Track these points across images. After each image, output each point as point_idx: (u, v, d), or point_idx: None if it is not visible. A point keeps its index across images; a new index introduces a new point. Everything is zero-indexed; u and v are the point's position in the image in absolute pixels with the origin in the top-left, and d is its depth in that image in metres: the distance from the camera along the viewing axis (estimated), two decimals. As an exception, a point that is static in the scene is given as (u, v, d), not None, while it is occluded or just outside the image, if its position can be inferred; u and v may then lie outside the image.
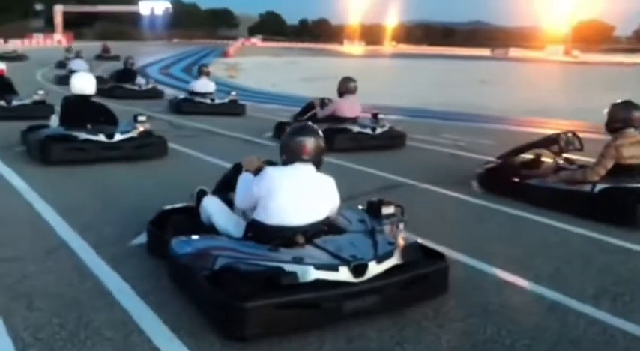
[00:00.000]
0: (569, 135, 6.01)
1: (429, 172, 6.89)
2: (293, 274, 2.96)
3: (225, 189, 3.98)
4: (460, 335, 3.07)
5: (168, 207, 4.10)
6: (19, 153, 6.89)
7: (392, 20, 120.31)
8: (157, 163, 6.91)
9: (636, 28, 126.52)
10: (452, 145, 9.08)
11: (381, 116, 8.64)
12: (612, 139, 5.31)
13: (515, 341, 3.02)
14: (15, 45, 39.52)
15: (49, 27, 62.08)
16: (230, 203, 3.77)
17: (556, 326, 3.19)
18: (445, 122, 12.62)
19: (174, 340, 2.89)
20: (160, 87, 15.81)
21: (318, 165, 3.50)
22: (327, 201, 3.49)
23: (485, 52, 73.50)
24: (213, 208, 3.68)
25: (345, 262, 3.07)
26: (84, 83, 6.79)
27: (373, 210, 3.68)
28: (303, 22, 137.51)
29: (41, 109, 9.41)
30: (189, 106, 11.47)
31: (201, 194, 3.93)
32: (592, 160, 5.45)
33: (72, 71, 17.32)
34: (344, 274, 3.04)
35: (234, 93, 12.33)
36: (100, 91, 14.16)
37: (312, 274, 2.98)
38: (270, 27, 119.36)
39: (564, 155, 5.95)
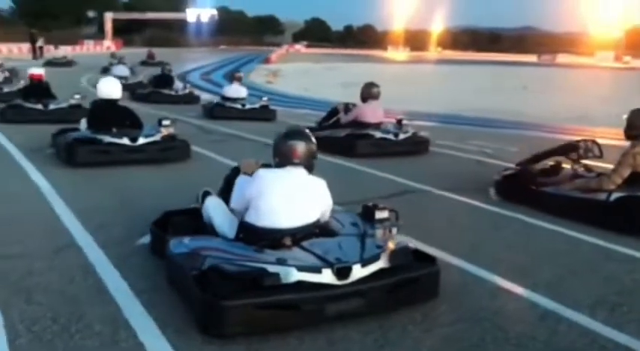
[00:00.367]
0: (589, 142, 5.89)
1: (447, 178, 6.84)
2: (275, 275, 3.01)
3: (227, 191, 4.06)
4: (443, 341, 3.06)
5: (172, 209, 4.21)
6: (49, 155, 7.15)
7: (437, 26, 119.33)
8: (180, 166, 7.07)
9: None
10: (478, 151, 8.98)
11: (405, 122, 8.60)
12: (630, 147, 5.19)
13: (499, 349, 3.00)
14: (66, 51, 40.77)
15: (100, 34, 63.97)
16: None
17: (545, 335, 3.15)
18: (477, 129, 12.47)
19: (159, 336, 2.98)
20: (197, 92, 16.10)
21: (309, 168, 3.55)
22: (318, 204, 3.53)
23: (533, 58, 72.15)
24: (213, 208, 3.77)
25: (328, 264, 3.11)
26: (110, 88, 7.02)
27: (367, 214, 3.70)
28: (348, 28, 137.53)
29: (77, 112, 9.68)
30: (220, 111, 11.68)
31: (206, 196, 4.03)
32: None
33: (114, 76, 17.99)
34: (327, 276, 3.07)
35: (265, 98, 12.49)
36: (139, 96, 14.75)
37: (295, 275, 3.03)
38: (316, 33, 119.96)
39: (583, 162, 5.84)
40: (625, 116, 5.34)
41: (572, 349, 3.03)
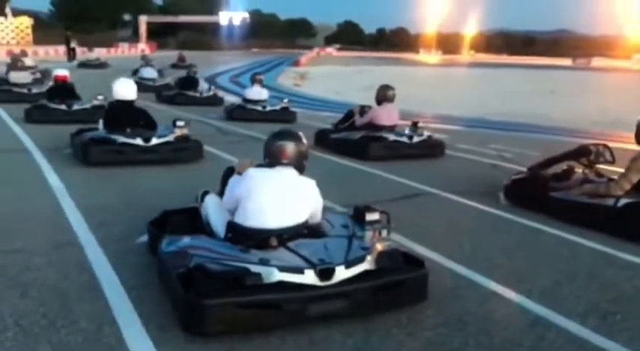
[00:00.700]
0: (600, 147, 5.77)
1: (459, 181, 6.78)
2: (257, 275, 3.04)
3: (223, 191, 4.09)
4: (425, 344, 3.05)
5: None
6: (66, 155, 7.30)
7: (470, 29, 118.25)
8: (192, 166, 7.15)
9: None
10: (496, 155, 8.88)
11: (421, 124, 8.54)
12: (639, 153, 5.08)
13: (483, 355, 2.97)
14: (100, 53, 41.59)
15: (135, 37, 65.08)
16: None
17: (530, 342, 3.11)
18: (499, 132, 12.33)
19: (142, 333, 3.02)
20: (222, 94, 16.25)
21: (300, 169, 3.56)
22: (308, 204, 3.54)
23: (567, 61, 70.94)
24: (210, 207, 3.80)
25: (311, 265, 3.12)
26: (124, 89, 7.15)
27: (358, 216, 3.69)
28: (381, 31, 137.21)
29: (99, 113, 9.77)
30: (241, 112, 11.76)
31: (206, 195, 4.07)
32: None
33: (142, 78, 18.29)
34: (310, 277, 3.08)
35: (286, 100, 12.53)
36: (164, 98, 14.96)
37: (276, 275, 3.05)
38: (348, 36, 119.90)
39: (595, 167, 5.72)
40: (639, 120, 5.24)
41: (556, 356, 2.99)
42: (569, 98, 23.87)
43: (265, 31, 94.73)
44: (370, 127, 8.28)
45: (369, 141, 7.98)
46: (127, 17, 71.32)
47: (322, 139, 8.81)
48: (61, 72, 10.91)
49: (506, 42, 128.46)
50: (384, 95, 8.31)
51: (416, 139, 8.21)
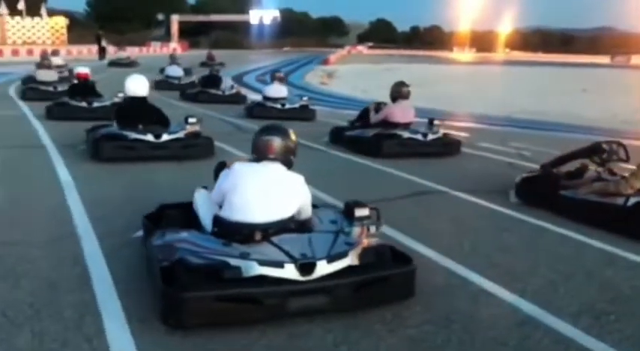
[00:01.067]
0: (614, 144, 5.61)
1: (471, 180, 6.68)
2: (237, 268, 3.04)
3: (217, 186, 4.10)
4: (405, 341, 3.00)
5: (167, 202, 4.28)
6: (81, 150, 7.41)
7: (506, 27, 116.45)
8: (202, 163, 7.13)
9: None
10: (515, 154, 8.71)
11: (437, 122, 8.42)
12: (651, 150, 4.92)
13: (461, 352, 2.91)
14: (132, 52, 42.24)
15: (168, 36, 65.84)
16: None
17: (515, 341, 3.04)
18: (522, 131, 12.13)
19: (123, 324, 3.05)
20: (245, 92, 16.31)
21: (287, 164, 3.55)
22: (294, 199, 3.52)
23: (605, 59, 69.36)
24: (198, 201, 3.81)
25: (292, 259, 3.10)
26: (136, 86, 7.22)
27: (348, 211, 3.66)
28: (415, 29, 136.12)
29: (119, 110, 10.02)
30: (260, 110, 11.79)
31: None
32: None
33: (168, 76, 18.51)
34: (290, 271, 3.07)
35: (305, 98, 12.51)
36: (188, 96, 15.11)
37: (256, 269, 3.04)
38: (381, 34, 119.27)
39: (608, 165, 5.57)
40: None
41: (540, 356, 2.91)
42: (601, 97, 23.31)
43: (297, 29, 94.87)
44: (385, 124, 8.20)
45: (383, 138, 7.92)
46: (160, 17, 72.16)
47: (337, 136, 8.78)
48: (82, 70, 11.09)
49: (544, 40, 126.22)
50: (398, 92, 8.23)
51: (431, 136, 8.10)
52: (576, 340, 3.06)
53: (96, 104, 10.37)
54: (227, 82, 15.64)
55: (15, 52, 37.26)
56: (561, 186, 5.49)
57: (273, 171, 3.48)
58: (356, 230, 3.50)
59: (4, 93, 15.27)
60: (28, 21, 47.66)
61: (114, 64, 29.02)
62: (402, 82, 8.37)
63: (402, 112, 8.17)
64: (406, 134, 7.99)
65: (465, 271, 3.93)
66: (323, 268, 3.11)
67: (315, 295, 3.09)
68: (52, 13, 52.38)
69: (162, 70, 19.65)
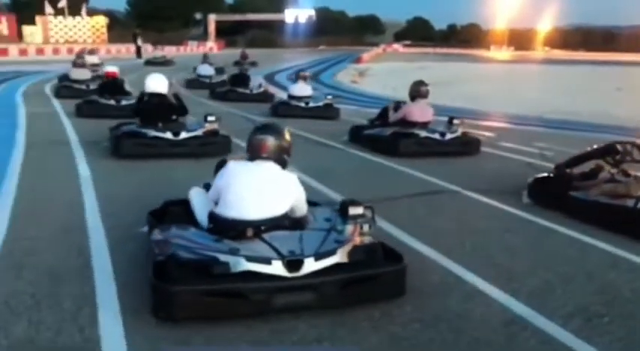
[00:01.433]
0: (628, 145, 5.50)
1: (485, 180, 6.63)
2: (225, 264, 3.12)
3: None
4: (389, 340, 3.02)
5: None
6: (104, 147, 7.60)
7: (546, 24, 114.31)
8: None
9: None
10: (536, 154, 8.59)
11: (456, 121, 8.36)
12: (662, 151, 4.83)
13: (444, 351, 2.93)
14: (170, 52, 42.95)
15: (205, 35, 66.74)
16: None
17: (500, 341, 3.04)
18: (549, 130, 11.96)
19: (116, 316, 3.15)
20: (274, 91, 16.46)
21: (281, 163, 3.61)
22: (287, 197, 3.57)
23: (649, 57, 67.55)
24: (194, 198, 3.90)
25: (280, 256, 3.16)
26: (155, 83, 7.39)
27: (342, 210, 3.70)
28: (452, 27, 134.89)
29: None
30: (284, 109, 11.89)
31: (206, 188, 4.18)
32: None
33: (199, 75, 18.79)
34: (277, 268, 3.13)
35: (329, 97, 12.58)
36: (217, 95, 15.33)
37: (244, 265, 3.11)
38: (418, 32, 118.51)
39: (622, 166, 5.46)
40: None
41: (524, 356, 2.91)
42: (636, 96, 22.74)
43: (333, 28, 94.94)
44: (403, 123, 8.20)
45: (400, 137, 7.91)
46: (198, 16, 73.14)
47: (356, 135, 8.81)
48: (111, 68, 11.37)
49: (585, 38, 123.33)
50: (417, 91, 8.21)
51: (449, 135, 8.05)
52: (563, 341, 3.04)
53: (124, 102, 10.61)
54: (255, 81, 15.80)
55: (56, 51, 38.30)
56: (573, 187, 5.42)
57: (266, 170, 3.54)
58: (349, 228, 3.53)
59: (41, 91, 15.76)
60: (70, 20, 49.00)
61: (150, 63, 29.58)
62: (420, 81, 8.35)
63: (420, 111, 8.15)
64: (423, 133, 7.96)
65: (461, 271, 3.92)
66: (310, 265, 3.16)
67: (302, 292, 3.14)
68: (93, 12, 53.69)
69: (195, 69, 19.96)
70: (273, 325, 3.09)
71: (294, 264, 3.14)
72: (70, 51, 36.62)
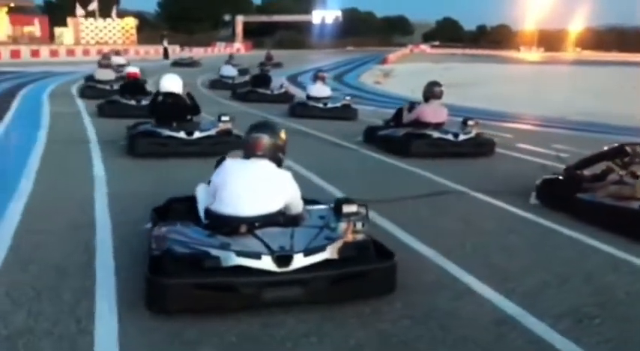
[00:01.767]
0: (638, 147, 5.44)
1: (495, 181, 6.61)
2: (216, 258, 3.20)
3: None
4: (377, 336, 3.06)
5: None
6: (120, 146, 7.77)
7: (577, 25, 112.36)
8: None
9: None
10: (552, 156, 8.51)
11: (471, 122, 8.34)
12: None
13: (430, 348, 2.96)
14: (198, 53, 43.46)
15: (234, 36, 67.30)
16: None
17: (488, 340, 3.06)
18: (571, 132, 11.84)
19: (112, 309, 3.25)
20: (295, 91, 16.56)
21: (276, 161, 3.68)
22: (281, 195, 3.64)
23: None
24: (198, 194, 4.00)
25: (270, 251, 3.23)
26: (169, 83, 7.56)
27: (337, 208, 3.75)
28: (482, 28, 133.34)
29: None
30: (302, 109, 11.99)
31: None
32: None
33: (222, 76, 19.00)
34: (266, 263, 3.20)
35: (348, 98, 12.64)
36: (238, 95, 15.50)
37: (234, 260, 3.19)
38: (447, 33, 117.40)
39: (630, 168, 5.41)
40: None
41: (510, 355, 2.93)
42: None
43: (361, 28, 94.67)
44: (416, 124, 8.21)
45: (412, 138, 7.93)
46: (227, 17, 73.77)
47: (370, 135, 8.85)
48: (132, 69, 11.61)
49: (619, 38, 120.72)
50: (431, 92, 8.22)
51: (462, 137, 8.04)
52: (550, 341, 3.04)
53: (144, 102, 10.74)
54: (277, 82, 15.93)
55: (86, 52, 39.02)
56: (582, 189, 5.39)
57: (261, 167, 3.62)
58: (341, 226, 3.58)
59: (67, 91, 16.13)
60: (100, 22, 49.83)
61: (176, 64, 29.99)
62: (434, 82, 8.36)
63: (433, 112, 8.16)
64: (436, 134, 7.97)
65: (458, 271, 3.94)
66: (300, 260, 3.23)
67: (291, 287, 3.21)
68: (124, 14, 54.51)
69: (220, 70, 20.20)
70: (263, 318, 3.16)
71: (283, 259, 3.20)
72: (99, 52, 37.29)
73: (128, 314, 3.19)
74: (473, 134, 8.16)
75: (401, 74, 32.00)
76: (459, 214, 5.37)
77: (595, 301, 3.55)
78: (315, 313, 3.23)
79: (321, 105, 12.01)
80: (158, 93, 7.68)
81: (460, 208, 5.60)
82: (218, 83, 18.53)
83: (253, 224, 3.50)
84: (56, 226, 4.60)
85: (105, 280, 3.62)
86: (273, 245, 3.28)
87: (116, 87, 13.60)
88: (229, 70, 18.94)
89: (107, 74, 14.78)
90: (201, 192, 3.96)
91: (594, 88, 26.89)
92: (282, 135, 3.75)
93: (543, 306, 3.45)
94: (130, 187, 5.87)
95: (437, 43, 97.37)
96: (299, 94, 15.94)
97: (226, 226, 3.50)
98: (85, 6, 47.43)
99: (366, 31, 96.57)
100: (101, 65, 15.17)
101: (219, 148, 7.36)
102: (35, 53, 35.46)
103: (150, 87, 11.69)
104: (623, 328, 3.24)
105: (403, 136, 8.05)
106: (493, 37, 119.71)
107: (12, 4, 43.68)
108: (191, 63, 30.28)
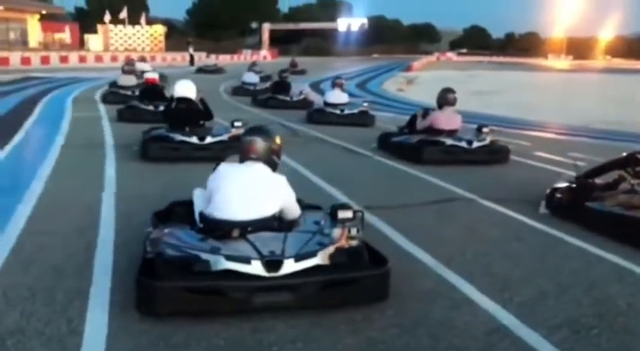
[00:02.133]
0: (648, 155, 5.32)
1: (506, 189, 6.52)
2: (206, 262, 3.21)
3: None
4: (365, 343, 3.03)
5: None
6: (134, 150, 7.86)
7: (608, 33, 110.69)
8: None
9: None
10: (568, 164, 8.35)
11: (485, 129, 8.25)
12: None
13: (416, 358, 2.93)
14: (224, 60, 43.87)
15: (261, 44, 67.81)
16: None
17: (477, 349, 3.00)
18: (592, 141, 11.63)
19: (104, 310, 3.27)
20: (318, 98, 16.56)
21: (271, 165, 3.68)
22: (275, 199, 3.64)
23: None
24: (195, 198, 4.01)
25: (260, 256, 3.22)
26: (183, 88, 7.65)
27: (332, 213, 3.73)
28: (510, 36, 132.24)
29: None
30: (319, 116, 12.00)
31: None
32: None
33: (244, 83, 19.13)
34: (256, 267, 3.19)
35: (365, 104, 12.61)
36: (259, 102, 15.59)
37: (223, 264, 3.19)
38: (474, 41, 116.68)
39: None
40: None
41: (497, 365, 2.87)
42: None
43: (388, 36, 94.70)
44: (430, 130, 8.15)
45: (425, 145, 7.87)
46: (254, 25, 74.49)
47: (384, 142, 8.81)
48: (151, 75, 11.76)
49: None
50: (444, 99, 8.16)
51: (476, 144, 7.95)
52: (542, 352, 2.99)
53: (162, 107, 10.90)
54: (296, 89, 15.97)
55: (114, 58, 39.63)
56: (592, 197, 5.28)
57: (255, 171, 3.62)
58: (335, 231, 3.56)
59: (91, 97, 16.39)
60: (129, 29, 50.68)
61: (201, 70, 30.30)
62: (448, 89, 8.29)
63: (447, 119, 8.09)
64: (449, 141, 7.89)
65: (455, 279, 3.89)
66: (290, 265, 3.21)
67: (280, 292, 3.19)
68: (153, 21, 55.37)
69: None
70: (252, 323, 3.15)
71: (273, 264, 3.19)
72: (127, 58, 37.86)
73: (119, 316, 3.21)
74: (487, 141, 8.06)
75: (425, 81, 31.84)
76: (465, 221, 5.30)
77: (594, 312, 3.47)
78: (305, 319, 3.21)
79: (338, 111, 12.01)
80: (172, 98, 7.76)
81: (466, 215, 5.53)
82: (240, 90, 18.67)
83: (246, 228, 3.50)
84: (61, 228, 4.66)
85: (100, 283, 3.65)
86: (263, 250, 3.27)
87: (137, 92, 13.80)
88: (251, 77, 19.06)
89: (129, 80, 14.99)
90: (197, 196, 3.98)
91: (623, 96, 26.41)
92: (277, 139, 3.76)
93: (540, 316, 3.38)
94: (139, 191, 5.93)
95: (464, 50, 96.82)
96: (319, 101, 15.95)
97: (219, 230, 3.50)
98: (116, 13, 48.26)
99: (392, 39, 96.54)
100: (124, 71, 15.38)
101: (231, 153, 7.42)
102: (64, 59, 36.16)
103: (169, 93, 11.80)
104: (621, 339, 3.16)
105: (416, 142, 8.00)
106: (521, 45, 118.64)
107: (44, 12, 44.69)
108: (215, 70, 30.54)
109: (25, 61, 32.98)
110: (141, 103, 11.23)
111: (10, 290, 3.49)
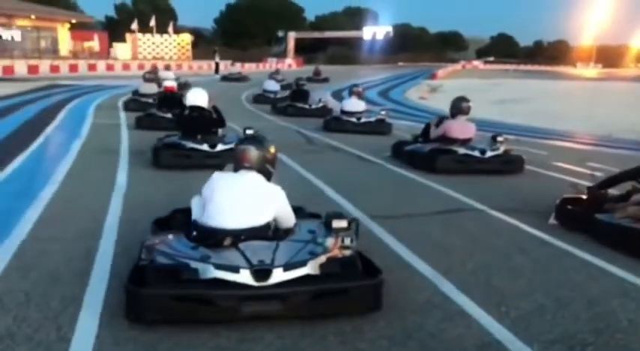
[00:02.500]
0: (662, 166, 5.19)
1: (518, 200, 6.42)
2: (194, 270, 3.20)
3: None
4: (351, 355, 3.00)
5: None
6: (147, 158, 7.92)
7: (639, 41, 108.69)
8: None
9: None
10: (585, 174, 8.21)
11: (500, 139, 8.14)
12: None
13: (403, 371, 2.88)
14: (250, 68, 44.21)
15: (285, 52, 68.17)
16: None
17: (466, 363, 2.95)
18: (612, 151, 11.40)
19: (95, 317, 3.29)
20: (333, 105, 16.57)
21: (265, 174, 3.67)
22: (269, 208, 3.62)
23: None
24: (192, 206, 4.02)
25: (249, 265, 3.21)
26: (195, 96, 7.72)
27: (327, 223, 3.70)
28: (538, 44, 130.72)
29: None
30: (336, 124, 12.00)
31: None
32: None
33: (265, 91, 19.25)
34: (245, 276, 3.18)
35: (383, 112, 12.57)
36: (278, 110, 15.68)
37: (212, 272, 3.18)
38: (501, 49, 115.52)
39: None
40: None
41: (484, 380, 2.81)
42: None
43: (414, 44, 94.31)
44: (443, 139, 8.08)
45: (438, 154, 7.80)
46: (280, 34, 74.82)
47: (397, 150, 8.76)
48: (169, 83, 11.91)
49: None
50: (458, 107, 8.08)
51: (489, 153, 7.85)
52: (532, 368, 2.92)
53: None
54: (315, 97, 16.01)
55: (141, 67, 40.19)
56: (602, 209, 5.17)
57: (248, 180, 3.62)
58: (329, 241, 3.53)
59: (114, 104, 16.64)
60: (157, 38, 51.35)
61: (225, 78, 30.57)
62: (462, 98, 8.22)
63: (460, 128, 8.01)
64: (462, 150, 7.81)
65: (452, 291, 3.82)
66: (279, 275, 3.19)
67: (269, 301, 3.17)
68: (181, 30, 56.05)
69: (266, 85, 20.45)
70: (240, 333, 3.14)
71: (261, 273, 3.18)
72: (153, 66, 38.37)
73: (109, 323, 3.22)
74: (501, 151, 7.95)
75: (448, 90, 31.55)
76: (469, 232, 5.22)
77: (592, 328, 3.37)
78: (295, 329, 3.19)
79: (354, 119, 11.99)
80: (184, 106, 7.82)
81: (473, 226, 5.44)
82: (261, 98, 18.80)
83: (238, 237, 3.49)
84: (64, 233, 4.72)
85: (95, 289, 3.67)
86: (253, 259, 3.26)
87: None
88: (272, 85, 19.17)
89: (150, 88, 15.18)
90: (195, 203, 3.98)
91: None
92: (271, 148, 3.75)
93: (535, 331, 3.30)
94: (147, 198, 5.97)
95: (491, 58, 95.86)
96: (338, 109, 15.95)
97: (212, 238, 3.51)
98: (145, 22, 48.98)
99: (418, 47, 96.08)
100: (146, 79, 15.60)
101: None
102: (92, 67, 36.83)
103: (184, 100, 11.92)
104: (617, 356, 3.07)
105: (428, 151, 7.93)
106: (550, 53, 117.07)
107: (74, 21, 45.57)
108: (239, 78, 30.77)
109: (54, 68, 33.67)
110: (159, 110, 11.37)
111: (7, 295, 3.53)
